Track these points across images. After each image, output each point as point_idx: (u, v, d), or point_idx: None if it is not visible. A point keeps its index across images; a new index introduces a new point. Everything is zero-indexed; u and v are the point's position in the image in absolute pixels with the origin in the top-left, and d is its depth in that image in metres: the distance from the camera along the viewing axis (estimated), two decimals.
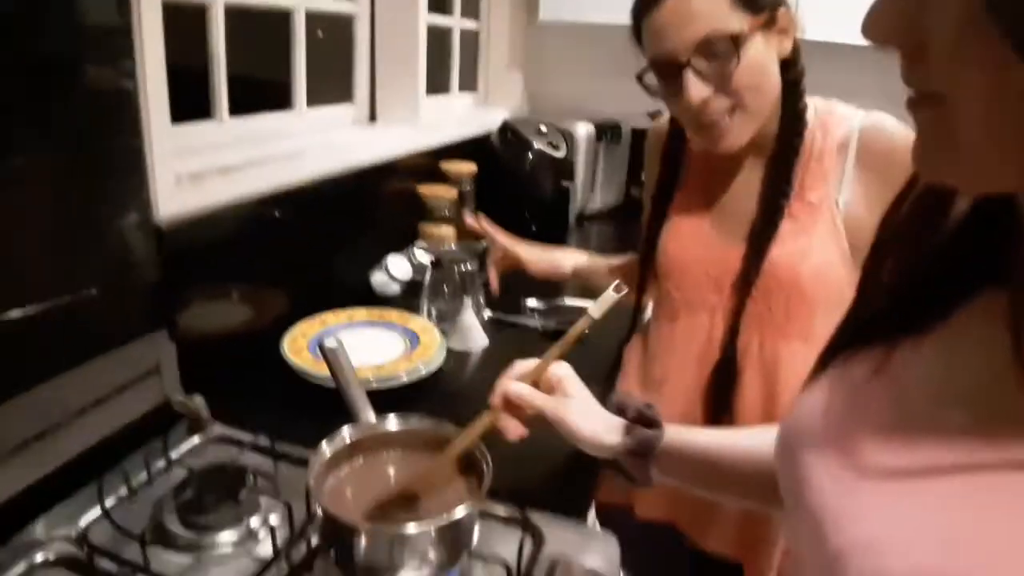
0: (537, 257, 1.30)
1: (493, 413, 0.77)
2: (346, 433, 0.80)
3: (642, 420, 0.76)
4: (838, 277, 0.91)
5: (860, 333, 0.51)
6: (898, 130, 0.90)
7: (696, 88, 0.88)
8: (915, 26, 0.35)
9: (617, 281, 0.78)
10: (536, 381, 0.78)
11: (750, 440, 0.73)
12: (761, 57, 0.89)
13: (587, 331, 0.78)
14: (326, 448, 0.77)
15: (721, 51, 0.87)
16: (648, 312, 1.15)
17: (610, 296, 0.76)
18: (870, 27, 0.38)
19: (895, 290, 0.50)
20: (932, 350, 0.44)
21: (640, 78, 0.94)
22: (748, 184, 0.99)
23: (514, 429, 0.77)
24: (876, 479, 0.41)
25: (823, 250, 0.92)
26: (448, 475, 0.78)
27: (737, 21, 0.87)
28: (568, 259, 1.30)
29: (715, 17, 0.87)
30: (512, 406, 0.76)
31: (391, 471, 0.81)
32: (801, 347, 0.94)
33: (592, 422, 0.77)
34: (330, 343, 0.91)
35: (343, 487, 0.77)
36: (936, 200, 0.46)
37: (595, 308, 0.77)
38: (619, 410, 0.78)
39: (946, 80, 0.35)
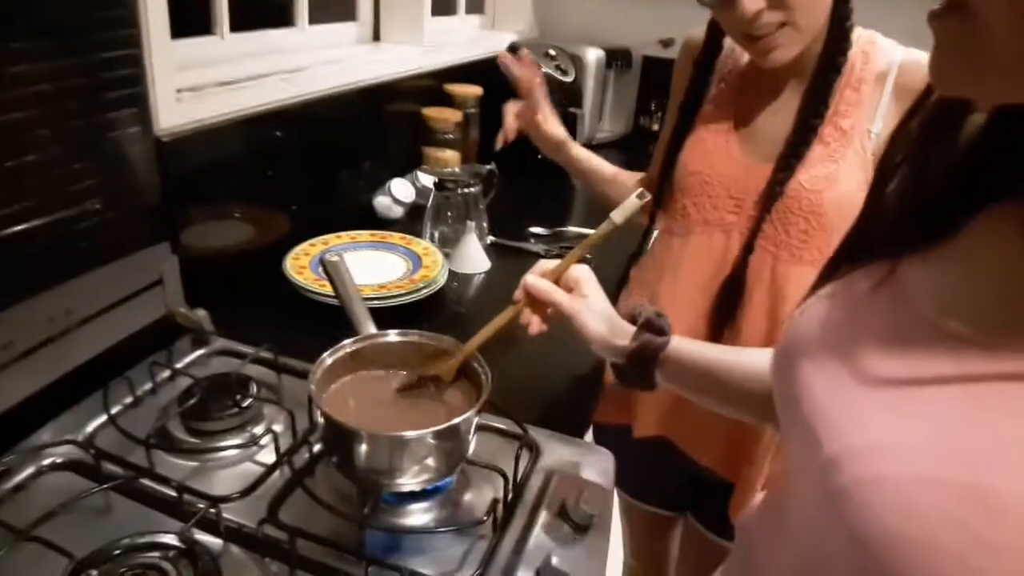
0: (553, 133, 1.17)
1: (517, 307, 0.81)
2: (348, 343, 0.81)
3: (651, 327, 0.78)
4: (859, 207, 0.91)
5: (865, 247, 0.51)
6: None
7: (751, 0, 0.85)
8: None
9: (641, 188, 0.78)
10: (557, 280, 0.81)
11: (753, 358, 0.74)
12: None
13: (606, 236, 0.80)
14: (328, 356, 0.78)
15: None
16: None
17: (633, 203, 0.78)
18: None
19: (903, 205, 0.49)
20: (938, 263, 0.44)
21: None
22: (781, 104, 0.97)
23: (536, 324, 0.81)
24: (876, 387, 0.42)
25: (849, 179, 0.92)
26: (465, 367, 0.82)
27: None
28: (581, 152, 1.20)
29: None
30: (534, 301, 0.81)
31: (392, 382, 0.82)
32: (811, 273, 0.92)
33: (603, 323, 0.80)
34: (331, 256, 0.91)
35: (344, 395, 0.79)
36: (948, 116, 0.45)
37: (618, 213, 0.78)
38: (631, 317, 0.81)
39: None
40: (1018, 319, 0.38)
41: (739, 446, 1.02)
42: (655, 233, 1.11)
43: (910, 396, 0.40)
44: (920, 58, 0.92)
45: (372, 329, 0.85)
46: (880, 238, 0.50)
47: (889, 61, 0.92)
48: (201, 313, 1.06)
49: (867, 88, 0.92)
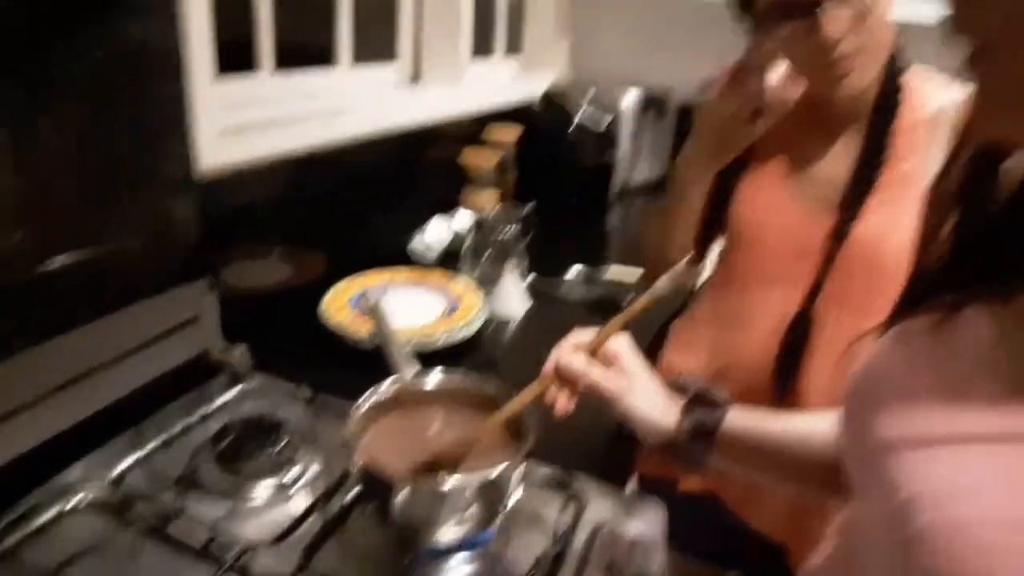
0: None
1: (543, 383, 0.72)
2: (387, 386, 0.79)
3: (703, 401, 0.71)
4: None
5: (924, 295, 0.50)
6: None
7: (835, 24, 0.81)
8: None
9: (692, 254, 0.74)
10: (594, 353, 0.72)
11: (812, 425, 0.68)
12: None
13: (651, 306, 0.72)
14: (366, 400, 0.76)
15: None
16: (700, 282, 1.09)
17: (682, 269, 0.72)
18: None
19: (953, 259, 0.49)
20: (1002, 313, 0.43)
21: (761, 19, 0.86)
22: (835, 149, 0.93)
23: (562, 404, 0.72)
24: (943, 435, 0.41)
25: (910, 226, 0.82)
26: (492, 441, 0.74)
27: None
28: None
29: None
30: (564, 378, 0.72)
31: (433, 427, 0.79)
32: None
33: (649, 401, 0.71)
34: (372, 298, 0.89)
35: (382, 440, 0.75)
36: (988, 161, 0.45)
37: (664, 282, 0.71)
38: (679, 389, 0.73)
39: (1003, 21, 0.34)
40: None
41: (797, 514, 0.95)
42: (698, 286, 1.07)
43: (973, 448, 0.39)
44: None
45: (413, 371, 0.82)
46: (939, 288, 0.49)
47: (944, 99, 0.88)
48: (238, 351, 1.05)
49: (923, 130, 0.88)
